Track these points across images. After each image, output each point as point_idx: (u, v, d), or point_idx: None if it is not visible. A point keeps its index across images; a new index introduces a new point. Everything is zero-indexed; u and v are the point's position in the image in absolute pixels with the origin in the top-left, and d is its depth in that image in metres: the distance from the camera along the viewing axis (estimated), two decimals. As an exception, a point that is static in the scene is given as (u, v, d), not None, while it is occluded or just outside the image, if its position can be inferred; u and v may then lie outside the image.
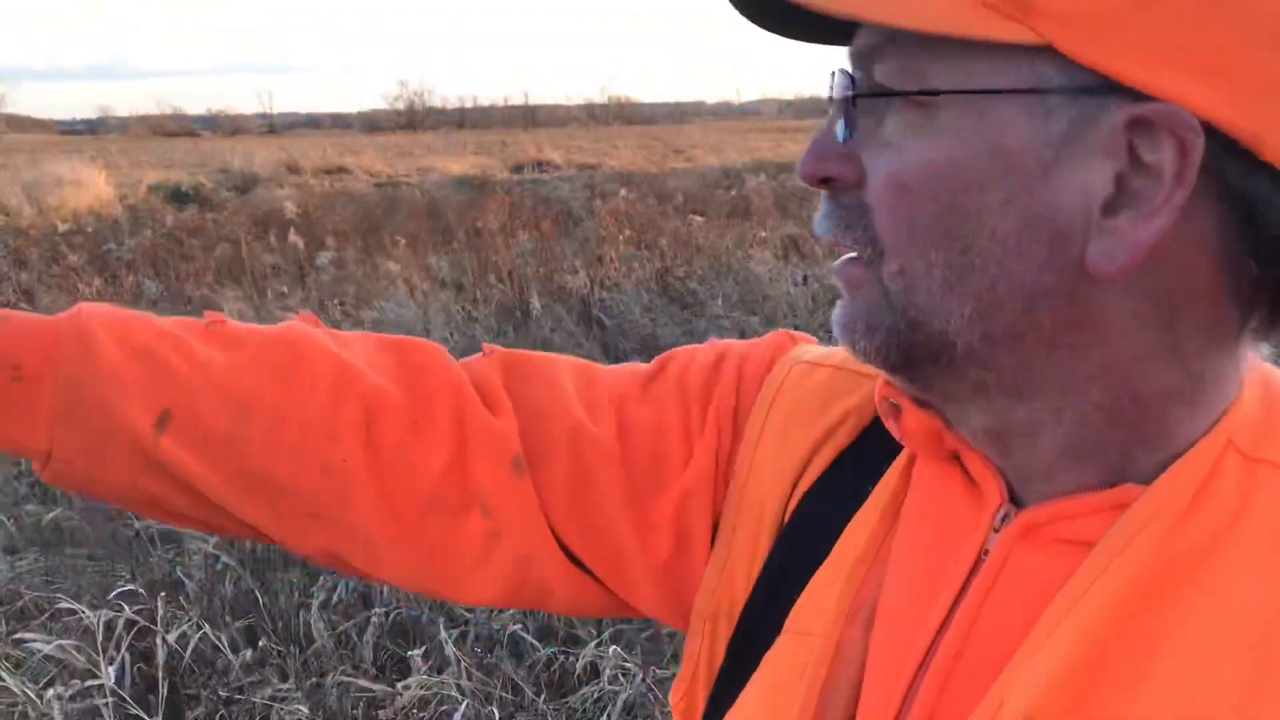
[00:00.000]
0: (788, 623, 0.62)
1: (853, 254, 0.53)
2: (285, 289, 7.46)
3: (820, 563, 0.62)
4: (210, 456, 0.66)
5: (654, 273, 7.79)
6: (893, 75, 0.49)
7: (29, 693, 2.70)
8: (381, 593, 3.33)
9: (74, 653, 2.89)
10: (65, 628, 3.12)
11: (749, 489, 0.68)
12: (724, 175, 18.00)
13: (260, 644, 3.12)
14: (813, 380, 0.69)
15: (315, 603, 3.25)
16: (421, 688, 2.81)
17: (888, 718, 0.55)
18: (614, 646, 2.96)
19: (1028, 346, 0.49)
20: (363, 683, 2.86)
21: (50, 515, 3.99)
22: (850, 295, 0.53)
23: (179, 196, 17.42)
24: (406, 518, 0.69)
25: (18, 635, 3.02)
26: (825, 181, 0.52)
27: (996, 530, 0.54)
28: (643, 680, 2.78)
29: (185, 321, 0.71)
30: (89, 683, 2.79)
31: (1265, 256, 0.47)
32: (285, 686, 2.87)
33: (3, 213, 15.18)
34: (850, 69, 0.52)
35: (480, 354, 0.77)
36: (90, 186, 16.68)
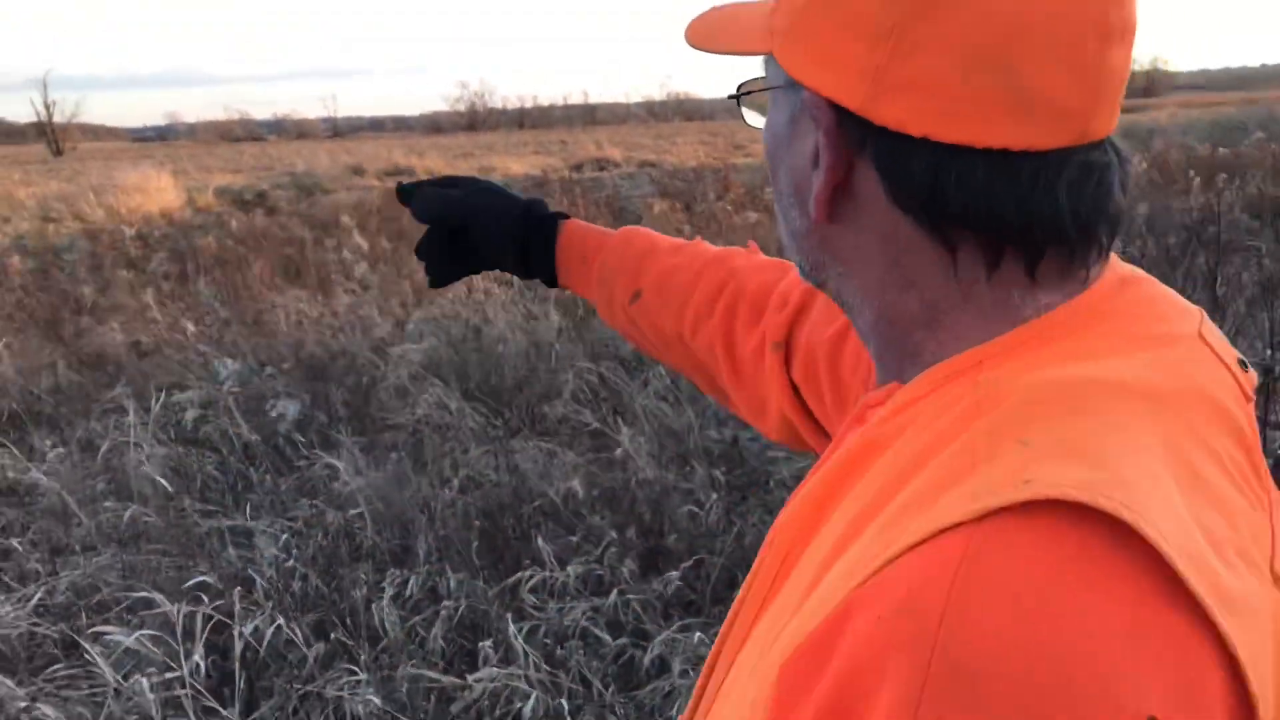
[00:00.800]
0: None
1: None
2: (354, 288, 7.54)
3: None
4: (652, 325, 1.14)
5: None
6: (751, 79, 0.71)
7: (116, 680, 2.75)
8: (449, 587, 3.35)
9: (152, 645, 2.95)
10: (143, 621, 3.18)
11: None
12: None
13: (331, 637, 3.15)
14: None
15: (385, 597, 3.28)
16: (491, 680, 2.82)
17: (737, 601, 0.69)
18: (698, 633, 2.96)
19: (825, 273, 0.67)
20: (433, 675, 2.88)
21: (127, 513, 4.08)
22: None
23: (245, 200, 17.74)
24: (740, 376, 1.07)
25: (97, 629, 3.08)
26: None
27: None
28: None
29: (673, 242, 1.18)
30: (168, 675, 2.85)
31: (915, 207, 0.58)
32: (357, 678, 2.89)
33: (77, 217, 15.58)
34: None
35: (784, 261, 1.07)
36: (160, 191, 17.06)
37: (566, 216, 1.19)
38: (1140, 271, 0.65)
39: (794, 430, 1.01)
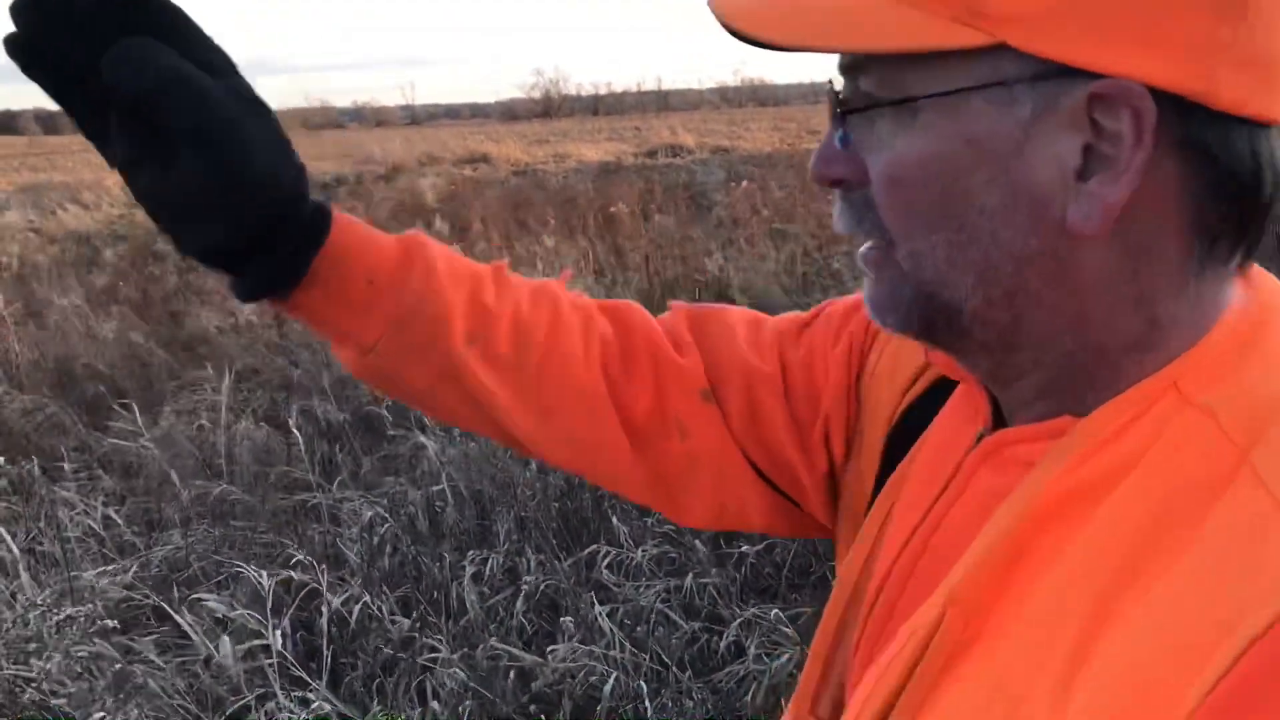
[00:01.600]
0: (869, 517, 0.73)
1: (870, 242, 0.59)
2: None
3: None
4: (499, 375, 0.81)
5: (791, 254, 7.72)
6: (875, 85, 0.55)
7: (207, 647, 2.85)
8: (529, 565, 3.41)
9: (244, 615, 3.05)
10: (234, 594, 3.29)
11: (870, 401, 0.80)
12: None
13: (414, 614, 3.23)
14: None
15: (467, 575, 3.35)
16: (569, 659, 2.87)
17: (865, 613, 0.65)
18: (774, 609, 2.97)
19: (1019, 305, 0.55)
20: (515, 650, 2.93)
21: (217, 490, 4.20)
22: (874, 278, 0.60)
23: (328, 186, 18.06)
24: (636, 445, 0.85)
25: (194, 596, 3.19)
26: (835, 182, 0.60)
27: (971, 450, 0.63)
28: (789, 659, 2.77)
29: (475, 264, 0.86)
30: (253, 643, 2.94)
31: (1225, 194, 0.52)
32: (440, 655, 2.96)
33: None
34: (840, 81, 0.58)
35: (669, 313, 0.92)
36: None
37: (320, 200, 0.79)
38: None
39: (731, 511, 0.88)
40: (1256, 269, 0.59)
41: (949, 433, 0.69)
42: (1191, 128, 0.51)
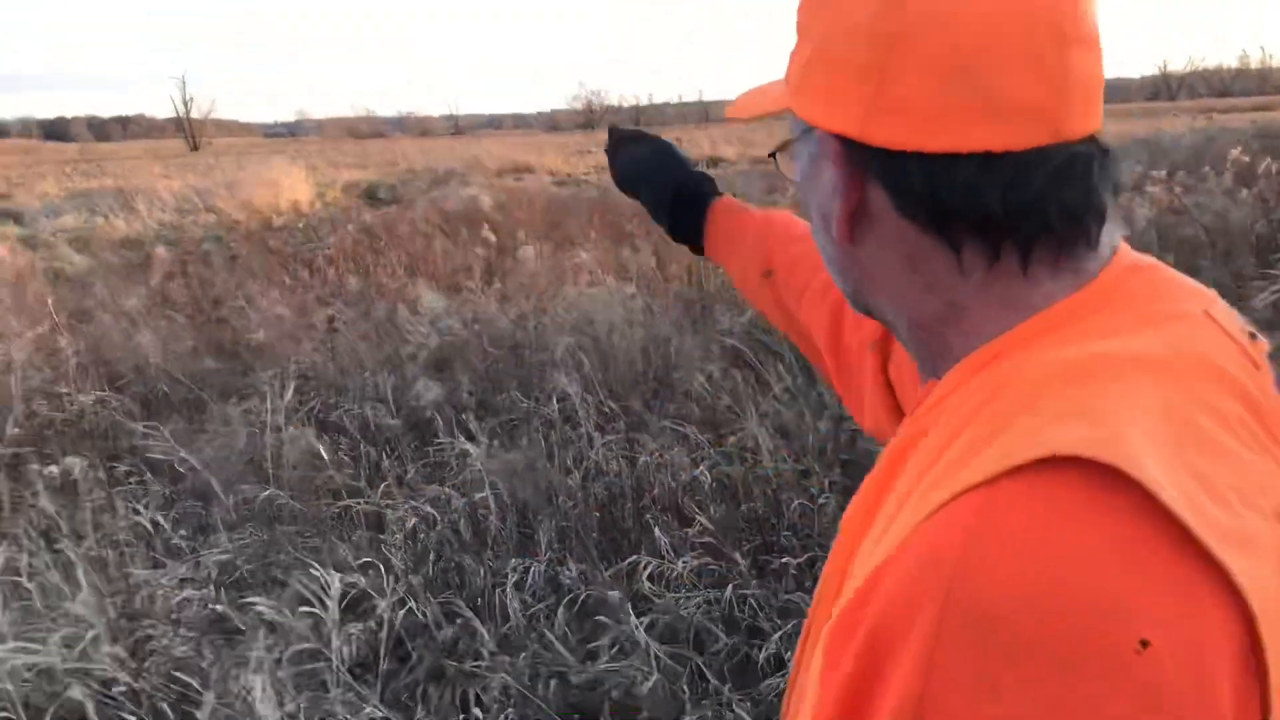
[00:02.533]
0: None
1: None
2: (473, 283, 7.71)
3: None
4: (778, 301, 1.24)
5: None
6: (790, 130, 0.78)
7: (259, 650, 2.90)
8: (571, 574, 3.43)
9: (292, 618, 3.09)
10: (280, 598, 3.33)
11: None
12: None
13: (458, 621, 3.26)
14: None
15: (509, 583, 3.37)
16: (610, 668, 2.89)
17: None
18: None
19: (865, 294, 0.76)
20: (559, 648, 2.95)
21: (264, 494, 4.27)
22: None
23: (373, 194, 18.23)
24: (843, 369, 1.14)
25: (245, 600, 3.24)
26: None
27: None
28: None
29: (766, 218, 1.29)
30: (302, 646, 2.98)
31: (929, 211, 0.66)
32: (482, 663, 2.99)
33: (211, 210, 16.24)
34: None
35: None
36: (291, 186, 17.65)
37: (719, 194, 1.33)
38: (1152, 259, 0.72)
39: (883, 428, 1.06)
40: (1139, 259, 0.71)
41: None
42: (873, 163, 0.67)
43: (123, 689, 2.89)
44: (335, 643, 2.90)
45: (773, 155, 0.83)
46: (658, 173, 1.36)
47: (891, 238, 0.70)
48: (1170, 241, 7.76)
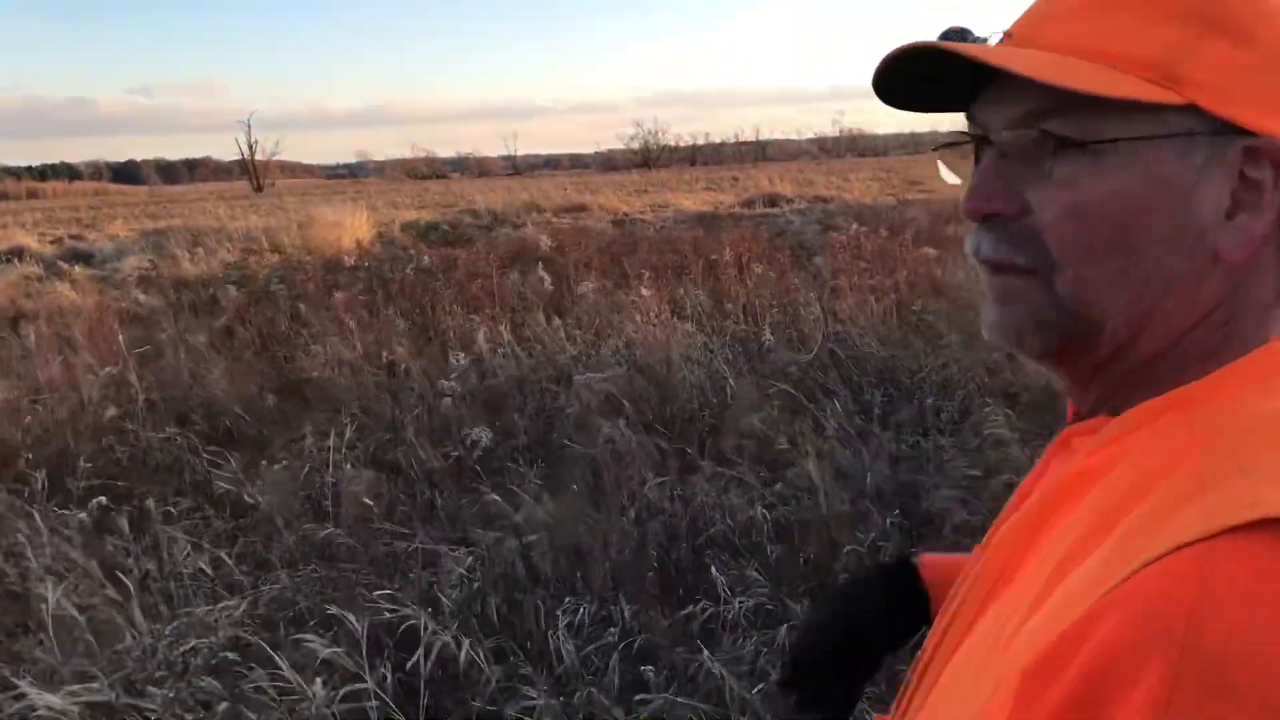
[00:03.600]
0: None
1: (1011, 270, 0.68)
2: (541, 319, 7.77)
3: None
4: None
5: (890, 305, 7.66)
6: (1073, 129, 0.64)
7: (305, 687, 2.91)
8: (623, 615, 3.41)
9: (344, 658, 3.11)
10: (336, 636, 3.35)
11: None
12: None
13: (510, 660, 3.25)
14: None
15: (561, 624, 3.36)
16: (665, 711, 2.86)
17: (950, 609, 0.74)
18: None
19: (1147, 323, 0.66)
20: (608, 703, 2.93)
21: (324, 533, 4.31)
22: (1007, 304, 0.69)
23: (432, 234, 18.49)
24: None
25: (296, 637, 3.26)
26: (990, 216, 0.68)
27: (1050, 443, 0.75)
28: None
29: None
30: (355, 686, 2.99)
31: None
32: (535, 702, 2.97)
33: (275, 249, 16.57)
34: (1000, 128, 0.68)
35: None
36: (353, 226, 17.98)
37: (914, 569, 1.10)
38: None
39: None
40: None
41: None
42: None
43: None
44: (386, 680, 2.89)
45: (1083, 143, 0.64)
46: (854, 622, 1.10)
47: (1257, 259, 0.66)
48: None
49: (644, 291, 8.11)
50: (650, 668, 3.04)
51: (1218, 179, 0.64)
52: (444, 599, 3.61)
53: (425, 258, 13.14)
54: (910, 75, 0.70)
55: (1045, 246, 0.65)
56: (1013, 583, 0.65)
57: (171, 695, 3.01)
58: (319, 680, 3.02)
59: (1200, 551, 0.52)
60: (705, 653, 3.12)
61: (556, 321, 7.73)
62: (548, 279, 9.50)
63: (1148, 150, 0.63)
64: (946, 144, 0.74)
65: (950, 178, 0.77)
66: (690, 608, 3.42)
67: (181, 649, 3.27)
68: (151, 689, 3.04)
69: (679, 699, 2.91)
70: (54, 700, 2.92)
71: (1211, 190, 0.64)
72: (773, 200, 23.62)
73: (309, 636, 3.21)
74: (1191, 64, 0.63)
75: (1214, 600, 0.51)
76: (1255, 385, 0.64)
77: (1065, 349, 0.68)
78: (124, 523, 4.29)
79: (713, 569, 3.58)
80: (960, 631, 0.69)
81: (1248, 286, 0.66)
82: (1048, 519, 0.65)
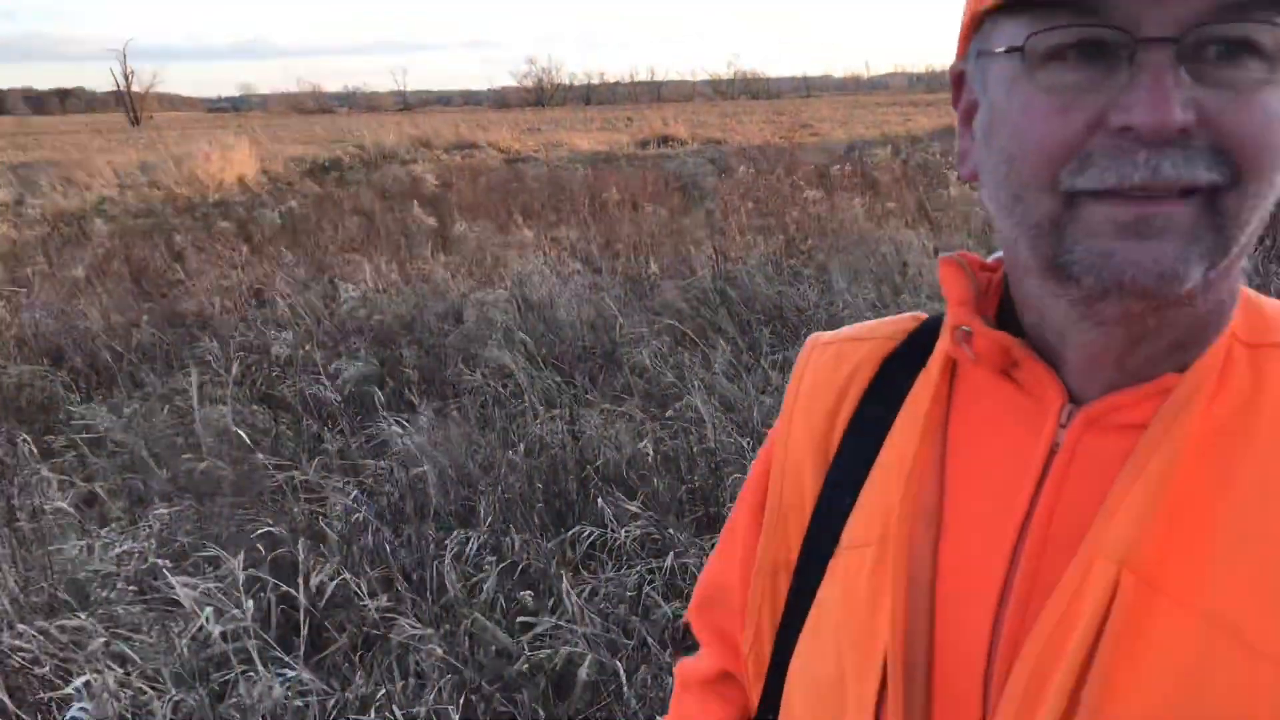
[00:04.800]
0: (842, 541, 0.74)
1: (1186, 190, 0.57)
2: (427, 254, 7.66)
3: (861, 486, 0.75)
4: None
5: (779, 245, 7.76)
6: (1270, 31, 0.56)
7: (178, 626, 2.88)
8: (514, 545, 3.44)
9: (222, 594, 3.07)
10: (216, 570, 3.31)
11: (788, 458, 0.82)
12: (849, 149, 17.76)
13: (396, 589, 3.25)
14: (826, 355, 0.83)
15: (448, 554, 3.37)
16: (548, 633, 2.90)
17: (987, 599, 0.65)
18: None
19: (1245, 250, 0.61)
20: (491, 627, 2.96)
21: (202, 465, 4.22)
22: (1165, 236, 0.57)
23: (318, 170, 18.01)
24: None
25: (173, 576, 3.20)
26: (1181, 131, 0.56)
27: (1063, 426, 0.66)
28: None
29: None
30: (233, 624, 2.96)
31: None
32: (421, 631, 2.99)
33: (155, 185, 15.95)
34: (1182, 22, 0.56)
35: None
36: (235, 161, 17.39)
37: None
38: None
39: None
40: None
41: (977, 432, 0.71)
42: None
43: (45, 667, 2.85)
44: (270, 612, 2.87)
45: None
46: None
47: None
48: None
49: (527, 232, 8.06)
50: (530, 593, 3.08)
51: None
52: (329, 531, 3.58)
53: (311, 194, 12.80)
54: None
55: (1234, 161, 0.57)
56: (1186, 577, 0.59)
57: (43, 634, 2.94)
58: (203, 613, 2.98)
59: None
60: (589, 576, 3.17)
61: (444, 259, 7.64)
62: (431, 219, 9.36)
63: None
64: (1071, 43, 0.58)
65: (991, 82, 0.64)
66: (576, 533, 3.47)
67: (52, 585, 3.19)
68: (22, 627, 2.97)
69: (561, 622, 2.96)
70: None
71: None
72: (667, 140, 23.61)
73: (183, 579, 3.16)
74: None
75: None
76: (1264, 312, 0.66)
77: (1202, 280, 0.59)
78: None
79: (599, 500, 3.62)
80: (1113, 656, 0.59)
81: None
82: (1186, 498, 0.60)
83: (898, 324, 0.82)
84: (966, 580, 0.67)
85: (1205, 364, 0.63)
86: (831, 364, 0.82)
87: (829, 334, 0.86)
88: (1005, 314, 0.72)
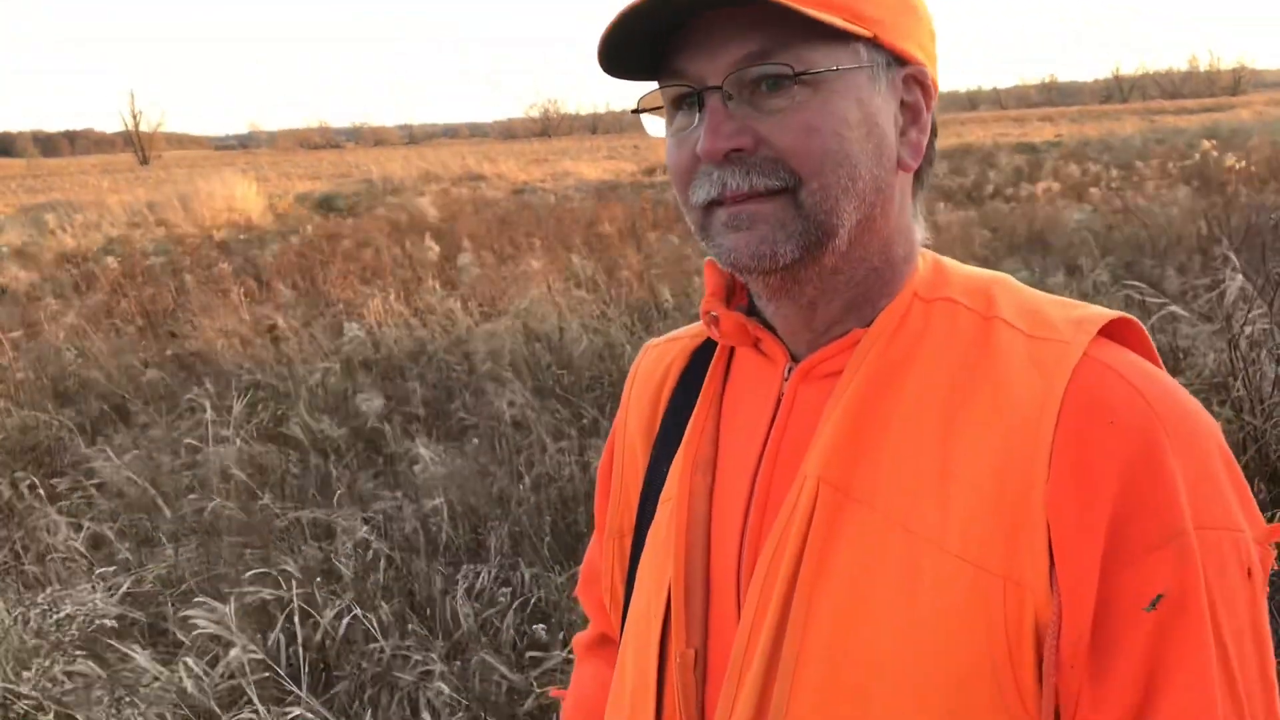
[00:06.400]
0: (659, 501, 0.91)
1: (760, 193, 0.74)
2: (428, 290, 7.65)
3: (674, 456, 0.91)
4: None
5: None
6: (791, 65, 0.73)
7: (190, 664, 2.85)
8: (524, 579, 3.41)
9: (232, 631, 3.04)
10: (222, 612, 3.27)
11: (624, 443, 1.01)
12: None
13: (409, 628, 3.22)
14: (651, 355, 1.02)
15: (459, 590, 3.34)
16: (558, 672, 2.87)
17: (735, 524, 0.82)
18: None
19: (865, 228, 0.78)
20: (501, 669, 2.93)
21: (210, 505, 4.20)
22: (755, 227, 0.75)
23: (324, 205, 18.10)
24: None
25: (183, 614, 3.18)
26: (734, 151, 0.74)
27: (786, 380, 0.83)
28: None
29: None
30: (248, 658, 2.93)
31: (931, 148, 0.83)
32: (430, 669, 2.95)
33: (162, 224, 16.04)
34: (721, 73, 0.74)
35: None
36: (242, 198, 17.48)
37: None
38: None
39: None
40: None
41: (739, 396, 0.88)
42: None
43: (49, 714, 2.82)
44: (279, 651, 2.84)
45: (806, 74, 0.74)
46: None
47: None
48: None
49: (534, 262, 8.07)
50: (543, 626, 3.04)
51: (892, 102, 0.78)
52: (341, 568, 3.55)
53: (317, 229, 12.86)
54: (624, 41, 0.75)
55: (790, 167, 0.74)
56: (870, 487, 0.74)
57: (45, 675, 2.92)
58: (203, 658, 2.96)
59: (1094, 357, 0.71)
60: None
61: (451, 290, 7.64)
62: (438, 250, 9.37)
63: (849, 78, 0.75)
64: (664, 101, 0.80)
65: (656, 130, 0.82)
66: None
67: (56, 629, 3.16)
68: (25, 673, 2.94)
69: (571, 656, 2.92)
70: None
71: (890, 111, 0.78)
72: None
73: (194, 612, 3.13)
74: (869, 4, 0.76)
75: (1139, 378, 0.71)
76: (945, 272, 0.83)
77: (804, 257, 0.75)
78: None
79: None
80: (816, 554, 0.74)
81: (906, 198, 0.82)
82: (862, 424, 0.76)
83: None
84: (726, 513, 0.83)
85: (885, 316, 0.79)
86: (654, 361, 1.00)
87: (657, 339, 1.04)
88: (755, 303, 0.88)
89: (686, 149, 0.77)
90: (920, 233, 0.85)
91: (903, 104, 0.79)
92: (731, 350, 0.91)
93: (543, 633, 3.07)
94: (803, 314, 0.82)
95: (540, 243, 9.52)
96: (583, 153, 35.58)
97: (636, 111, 0.83)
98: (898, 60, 0.78)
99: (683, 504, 0.85)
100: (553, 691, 1.22)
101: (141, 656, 3.07)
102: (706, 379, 0.91)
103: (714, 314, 0.87)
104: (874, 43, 0.76)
